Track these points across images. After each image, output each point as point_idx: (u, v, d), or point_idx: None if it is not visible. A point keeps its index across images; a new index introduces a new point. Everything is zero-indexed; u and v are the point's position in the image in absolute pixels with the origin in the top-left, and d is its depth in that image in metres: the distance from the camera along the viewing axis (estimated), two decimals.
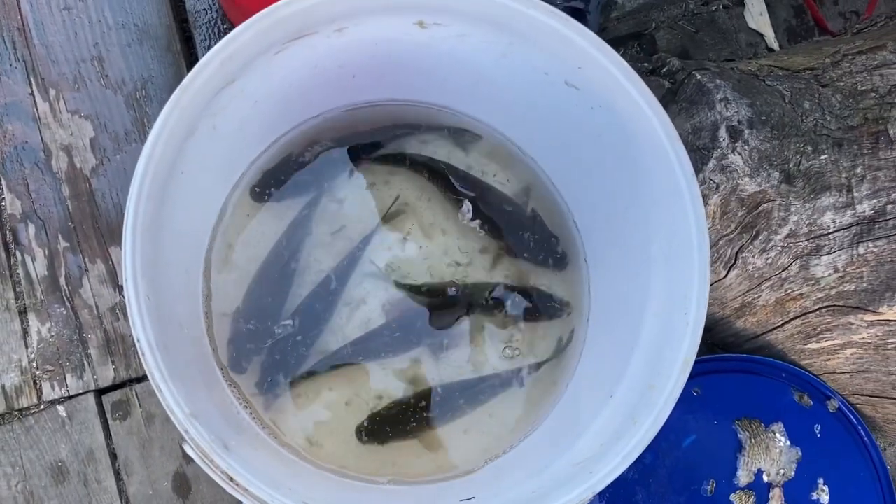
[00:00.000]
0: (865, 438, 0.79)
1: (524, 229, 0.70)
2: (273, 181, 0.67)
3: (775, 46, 0.92)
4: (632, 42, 0.92)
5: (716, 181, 0.67)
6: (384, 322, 0.67)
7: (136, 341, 0.49)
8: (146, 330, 0.49)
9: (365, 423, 0.64)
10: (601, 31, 0.90)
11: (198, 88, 0.53)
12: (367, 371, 0.66)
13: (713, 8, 0.93)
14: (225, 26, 0.83)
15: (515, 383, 0.68)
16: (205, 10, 0.83)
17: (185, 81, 0.52)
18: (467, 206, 0.71)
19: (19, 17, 0.81)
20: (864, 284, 0.67)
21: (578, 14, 0.84)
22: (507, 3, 0.57)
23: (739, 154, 0.66)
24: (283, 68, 0.60)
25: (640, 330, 0.61)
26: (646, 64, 0.77)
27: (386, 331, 0.67)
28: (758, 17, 0.93)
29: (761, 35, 0.92)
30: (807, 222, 0.67)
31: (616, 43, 0.92)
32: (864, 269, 0.66)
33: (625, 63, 0.57)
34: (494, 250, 0.70)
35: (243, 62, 0.56)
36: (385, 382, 0.66)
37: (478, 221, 0.70)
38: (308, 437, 0.64)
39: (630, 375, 0.59)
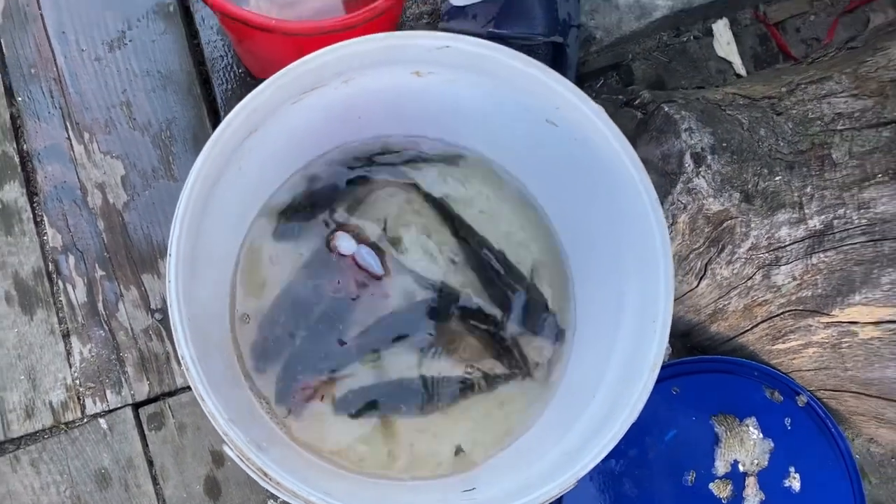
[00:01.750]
0: (833, 429, 0.87)
1: (523, 305, 0.77)
2: (288, 218, 0.76)
3: (742, 72, 1.01)
4: (611, 72, 1.01)
5: (683, 202, 0.75)
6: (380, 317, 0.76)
7: (181, 357, 0.57)
8: (189, 347, 0.57)
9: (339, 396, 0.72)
10: (581, 64, 0.98)
11: (226, 139, 0.61)
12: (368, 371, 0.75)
13: (684, 39, 1.01)
14: (240, 70, 0.92)
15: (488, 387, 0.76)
16: (221, 56, 0.92)
17: (215, 134, 0.61)
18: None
19: (55, 68, 0.90)
20: (819, 290, 0.75)
21: (559, 47, 0.93)
22: (492, 55, 0.65)
23: (703, 178, 0.74)
24: (298, 115, 0.68)
25: (618, 336, 0.69)
26: (620, 96, 0.85)
27: (381, 325, 0.75)
28: (725, 45, 1.01)
29: (730, 62, 1.01)
30: (766, 236, 0.75)
31: (596, 74, 1.01)
32: (818, 277, 0.74)
33: (595, 104, 0.65)
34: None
35: (265, 114, 0.64)
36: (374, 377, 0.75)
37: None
38: (324, 441, 0.72)
39: (609, 377, 0.67)
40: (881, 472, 0.94)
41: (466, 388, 0.74)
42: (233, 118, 0.61)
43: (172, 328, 0.57)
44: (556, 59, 0.94)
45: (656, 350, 0.62)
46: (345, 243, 0.77)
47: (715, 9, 1.00)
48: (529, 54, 0.92)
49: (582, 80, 1.01)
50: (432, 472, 0.72)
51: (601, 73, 1.01)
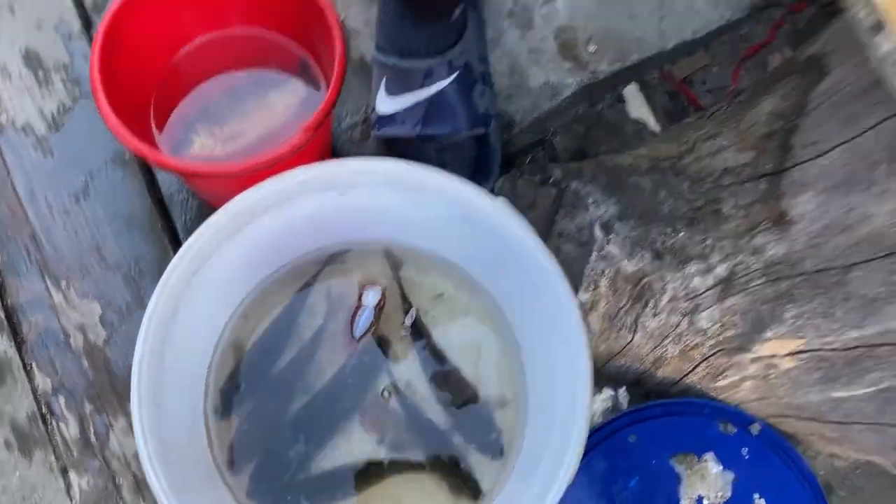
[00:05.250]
0: (789, 452, 0.92)
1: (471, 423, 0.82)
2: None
3: (657, 129, 1.09)
4: (537, 147, 1.09)
5: (601, 267, 0.82)
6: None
7: (154, 493, 0.64)
8: (160, 481, 0.64)
9: None
10: (507, 144, 1.07)
11: (172, 285, 0.69)
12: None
13: (599, 108, 1.09)
14: (195, 202, 1.00)
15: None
16: (177, 191, 1.01)
17: (160, 283, 0.69)
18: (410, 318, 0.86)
19: (29, 227, 0.99)
20: (739, 330, 0.81)
21: (483, 137, 1.01)
22: (399, 171, 0.74)
23: (614, 244, 0.81)
24: (237, 248, 0.76)
25: (556, 411, 0.74)
26: (538, 176, 0.93)
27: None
28: (638, 107, 1.09)
29: (644, 122, 1.09)
30: (682, 288, 0.82)
31: (524, 151, 1.09)
32: (735, 318, 0.81)
33: (496, 199, 0.73)
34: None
35: (205, 255, 0.72)
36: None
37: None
38: None
39: (550, 449, 0.73)
40: (847, 483, 0.98)
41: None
42: (175, 266, 0.69)
43: (142, 463, 0.64)
44: (481, 147, 1.02)
45: (580, 428, 0.68)
46: (372, 295, 0.85)
47: (622, 77, 1.08)
48: (457, 148, 1.01)
49: (512, 159, 1.09)
50: None
51: (528, 149, 1.09)
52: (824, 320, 0.70)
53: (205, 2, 0.89)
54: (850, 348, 0.69)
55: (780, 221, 0.71)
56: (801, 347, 0.75)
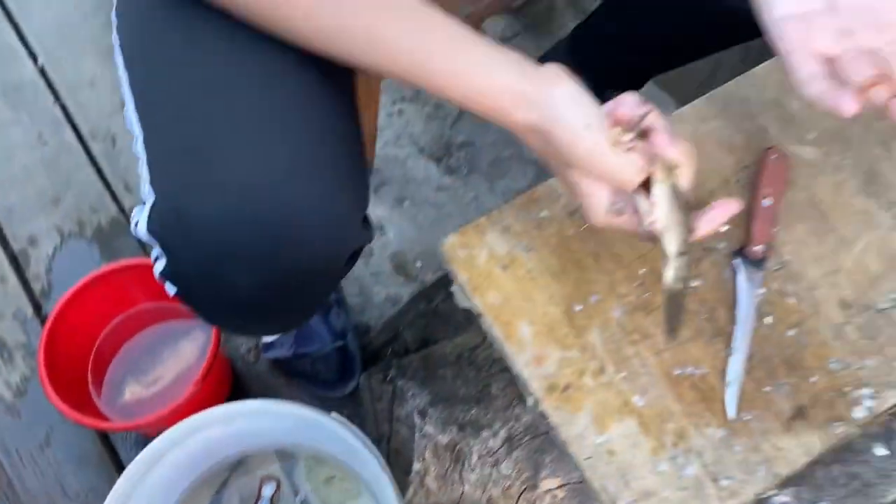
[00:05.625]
0: None
1: None
2: None
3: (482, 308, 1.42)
4: (393, 343, 1.42)
5: (424, 443, 1.13)
6: None
7: None
8: None
9: None
10: (368, 346, 1.40)
11: None
12: None
13: (435, 304, 1.43)
14: (133, 435, 1.31)
15: None
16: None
17: None
18: None
19: (5, 475, 1.28)
20: (529, 472, 1.12)
21: (343, 348, 1.34)
22: (260, 407, 1.05)
23: (430, 425, 1.13)
24: (160, 471, 1.06)
25: None
26: (382, 374, 1.26)
27: None
28: (464, 299, 1.43)
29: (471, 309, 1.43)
30: (483, 449, 1.13)
31: (384, 345, 1.42)
32: (523, 464, 1.11)
33: (333, 416, 1.05)
34: None
35: (136, 481, 1.02)
36: None
37: None
38: None
39: None
40: None
41: None
42: (114, 494, 0.99)
43: None
44: (343, 355, 1.35)
45: None
46: (268, 489, 1.14)
47: (447, 279, 1.43)
48: (325, 359, 1.34)
49: (376, 354, 1.41)
50: None
51: (386, 344, 1.42)
52: (561, 464, 1.01)
53: (118, 293, 1.23)
54: (580, 482, 1.00)
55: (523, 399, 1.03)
56: (562, 482, 1.05)
